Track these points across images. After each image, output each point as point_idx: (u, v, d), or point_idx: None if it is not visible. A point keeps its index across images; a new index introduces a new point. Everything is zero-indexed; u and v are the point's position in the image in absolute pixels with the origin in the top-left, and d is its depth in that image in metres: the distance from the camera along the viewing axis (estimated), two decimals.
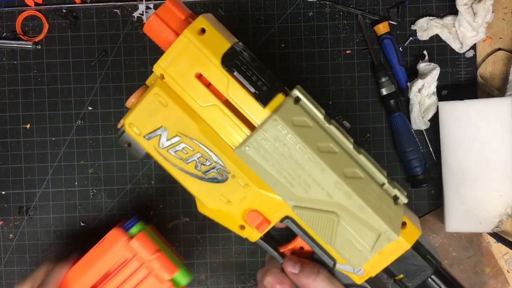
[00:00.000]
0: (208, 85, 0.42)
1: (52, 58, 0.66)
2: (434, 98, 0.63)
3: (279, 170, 0.42)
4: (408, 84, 0.64)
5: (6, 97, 0.67)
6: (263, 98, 0.41)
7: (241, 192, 0.44)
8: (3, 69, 0.67)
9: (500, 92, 0.64)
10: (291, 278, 0.46)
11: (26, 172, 0.67)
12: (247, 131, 0.42)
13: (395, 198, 0.44)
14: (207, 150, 0.43)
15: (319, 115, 0.42)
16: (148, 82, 0.46)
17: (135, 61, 0.66)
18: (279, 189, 0.43)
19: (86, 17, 0.66)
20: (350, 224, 0.42)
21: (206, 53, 0.41)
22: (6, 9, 0.66)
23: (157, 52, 0.66)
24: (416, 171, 0.63)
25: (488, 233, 0.63)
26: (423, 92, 0.63)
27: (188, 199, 0.66)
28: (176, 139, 0.44)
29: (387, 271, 0.47)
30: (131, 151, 0.46)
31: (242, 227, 0.46)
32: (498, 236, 0.62)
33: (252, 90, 0.41)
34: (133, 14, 0.66)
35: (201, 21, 0.41)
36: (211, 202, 0.45)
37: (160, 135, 0.44)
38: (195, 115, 0.43)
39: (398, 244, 0.44)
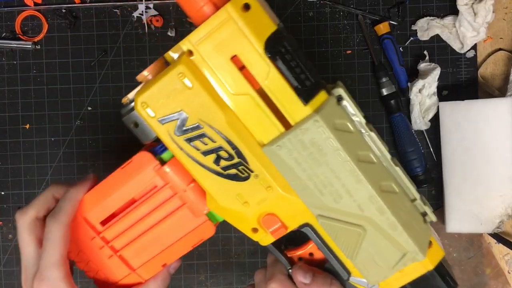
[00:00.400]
0: (241, 69, 0.36)
1: (51, 58, 0.66)
2: (435, 98, 0.63)
3: (310, 176, 0.37)
4: (409, 84, 0.64)
5: (6, 97, 0.66)
6: (305, 94, 0.36)
7: (262, 193, 0.39)
8: (3, 69, 0.66)
9: (500, 92, 0.64)
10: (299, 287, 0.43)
11: (26, 172, 0.66)
12: (280, 128, 0.37)
13: (424, 215, 0.41)
14: (232, 144, 0.38)
15: (361, 119, 0.38)
16: (167, 55, 0.38)
17: (134, 61, 0.66)
18: (306, 195, 0.39)
19: (85, 17, 0.66)
20: (375, 239, 0.38)
21: (248, 34, 0.35)
22: (6, 9, 0.66)
23: (157, 52, 0.65)
24: (416, 171, 0.63)
25: (488, 234, 0.63)
26: (424, 92, 0.63)
27: None
28: (197, 127, 0.38)
29: None
30: (138, 132, 0.41)
31: (255, 230, 0.42)
32: (498, 236, 0.62)
33: (295, 83, 0.36)
34: (133, 14, 0.65)
35: None
36: (225, 200, 0.40)
37: (178, 120, 0.38)
38: (223, 103, 0.37)
39: (421, 264, 0.41)
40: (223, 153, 0.38)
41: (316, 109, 0.36)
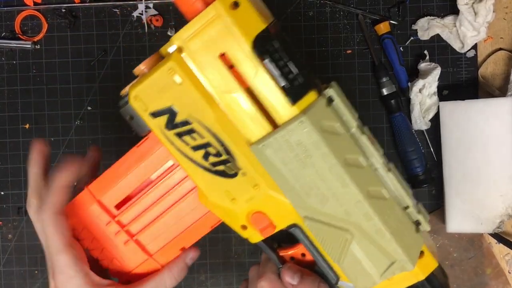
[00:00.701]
0: (231, 67, 0.36)
1: (51, 58, 0.66)
2: (435, 98, 0.63)
3: (296, 177, 0.37)
4: (409, 84, 0.63)
5: (5, 97, 0.66)
6: (293, 94, 0.36)
7: (250, 191, 0.39)
8: (2, 69, 0.66)
9: (501, 92, 0.64)
10: None
11: (25, 172, 0.66)
12: (268, 128, 0.37)
13: (417, 224, 0.40)
14: (220, 141, 0.38)
15: (352, 122, 0.38)
16: (163, 50, 0.38)
17: (134, 61, 0.66)
18: (293, 196, 0.38)
19: (85, 17, 0.66)
20: (363, 245, 0.38)
21: (236, 32, 0.35)
22: (5, 8, 0.66)
23: None
24: (417, 171, 0.63)
25: (489, 234, 0.63)
26: (424, 92, 0.63)
27: None
28: (186, 122, 0.38)
29: None
30: (133, 125, 0.41)
31: (244, 227, 0.42)
32: (499, 236, 0.62)
33: (282, 83, 0.36)
34: (133, 14, 0.65)
35: None
36: (214, 196, 0.40)
37: (169, 115, 0.38)
38: (212, 100, 0.37)
39: (412, 273, 0.40)
40: (211, 149, 0.38)
41: (303, 110, 0.36)
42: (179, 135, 0.38)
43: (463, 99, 0.60)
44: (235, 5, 0.35)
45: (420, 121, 0.63)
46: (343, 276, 0.42)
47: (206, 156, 0.39)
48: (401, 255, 0.37)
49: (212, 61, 0.36)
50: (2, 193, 0.67)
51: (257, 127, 0.37)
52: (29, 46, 0.66)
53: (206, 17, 0.35)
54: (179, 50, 0.37)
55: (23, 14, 0.66)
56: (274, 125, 0.37)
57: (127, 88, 0.40)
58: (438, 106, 0.62)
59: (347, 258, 0.39)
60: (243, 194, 0.40)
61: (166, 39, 0.65)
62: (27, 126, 0.66)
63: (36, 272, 0.66)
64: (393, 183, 0.39)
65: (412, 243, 0.39)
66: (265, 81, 0.36)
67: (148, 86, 0.37)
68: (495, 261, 0.64)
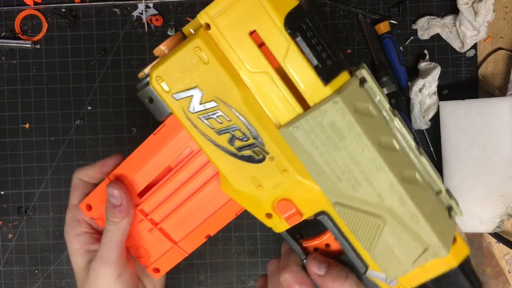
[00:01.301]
0: (261, 45, 0.34)
1: (51, 57, 0.66)
2: (435, 97, 0.63)
3: (327, 161, 0.35)
4: (409, 83, 0.63)
5: (5, 97, 0.66)
6: (325, 74, 0.34)
7: (277, 177, 0.37)
8: (2, 68, 0.66)
9: (501, 91, 0.64)
10: (313, 279, 0.41)
11: (25, 172, 0.66)
12: (298, 109, 0.35)
13: (450, 209, 0.38)
14: (247, 124, 0.36)
15: (384, 104, 0.36)
16: (185, 30, 0.37)
17: (134, 60, 0.66)
18: (323, 181, 0.36)
19: (85, 16, 0.66)
20: (396, 232, 0.36)
21: (268, 8, 0.33)
22: (5, 8, 0.66)
23: None
24: None
25: (489, 233, 0.63)
26: (424, 91, 0.63)
27: None
28: (212, 104, 0.36)
29: (423, 286, 0.40)
30: (153, 108, 0.39)
31: (269, 216, 0.39)
32: (499, 236, 0.62)
33: (315, 62, 0.34)
34: (133, 13, 0.65)
35: None
36: (239, 183, 0.38)
37: (193, 96, 0.36)
38: (240, 80, 0.35)
39: (444, 261, 0.38)
40: (238, 133, 0.37)
41: (337, 90, 0.34)
42: (204, 118, 0.37)
43: (463, 99, 0.60)
44: None
45: (420, 121, 0.63)
46: (372, 264, 0.40)
47: (231, 140, 0.37)
48: (435, 241, 0.36)
49: (241, 39, 0.34)
50: (2, 192, 0.67)
51: (287, 108, 0.35)
52: (29, 45, 0.66)
53: None
54: (206, 27, 0.35)
55: (23, 14, 0.66)
56: (305, 106, 0.35)
57: (146, 70, 0.39)
58: (438, 106, 0.62)
59: (378, 245, 0.37)
60: (270, 180, 0.38)
61: (166, 38, 0.65)
62: (27, 125, 0.66)
63: (36, 271, 0.66)
64: (426, 167, 0.37)
65: (446, 229, 0.37)
66: (297, 60, 0.34)
67: (172, 65, 0.36)
68: (495, 260, 0.64)
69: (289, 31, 0.33)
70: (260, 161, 0.37)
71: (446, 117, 0.61)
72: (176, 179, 0.42)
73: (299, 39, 0.34)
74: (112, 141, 0.66)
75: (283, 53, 0.34)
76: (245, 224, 0.65)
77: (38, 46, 0.66)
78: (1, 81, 0.66)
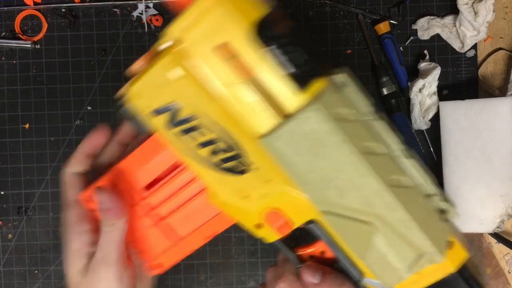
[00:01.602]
0: (234, 56, 0.34)
1: (51, 57, 0.66)
2: (435, 98, 0.63)
3: (311, 169, 0.34)
4: (409, 83, 0.63)
5: (5, 97, 0.66)
6: (302, 80, 0.33)
7: (263, 187, 0.37)
8: (2, 68, 0.66)
9: (501, 91, 0.64)
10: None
11: (25, 172, 0.66)
12: (278, 119, 0.34)
13: (444, 213, 0.37)
14: (228, 135, 0.36)
15: (367, 108, 0.35)
16: (157, 46, 0.37)
17: (134, 60, 0.66)
18: (310, 190, 0.36)
19: (85, 17, 0.66)
20: (388, 238, 0.35)
21: (237, 19, 0.32)
22: (5, 8, 0.66)
23: None
24: None
25: (489, 234, 0.63)
26: (424, 92, 0.63)
27: None
28: (191, 118, 0.36)
29: None
30: (134, 125, 0.39)
31: (259, 226, 0.39)
32: (499, 236, 0.61)
33: (291, 70, 0.33)
34: (133, 14, 0.65)
35: None
36: (226, 195, 0.38)
37: (172, 111, 0.36)
38: (217, 92, 0.35)
39: (442, 266, 0.37)
40: (220, 145, 0.36)
41: (314, 97, 0.33)
42: (185, 131, 0.36)
43: (463, 99, 0.60)
44: None
45: (420, 121, 0.63)
46: (368, 272, 0.39)
47: (214, 152, 0.37)
48: (428, 247, 0.35)
49: (213, 52, 0.33)
50: (2, 192, 0.67)
51: (266, 118, 0.34)
52: (29, 45, 0.66)
53: (203, 4, 0.33)
54: (177, 42, 0.34)
55: (23, 14, 0.66)
56: (284, 115, 0.34)
57: (122, 90, 0.39)
58: (438, 106, 0.62)
59: (371, 253, 0.36)
60: (256, 190, 0.37)
61: None
62: (27, 126, 0.66)
63: (36, 272, 0.66)
64: (415, 171, 0.36)
65: (439, 233, 0.36)
66: (271, 69, 0.33)
67: (147, 82, 0.36)
68: (495, 261, 0.64)
69: (260, 40, 0.33)
70: (244, 172, 0.37)
71: (446, 117, 0.61)
72: (184, 176, 0.41)
73: (272, 47, 0.33)
74: None
75: (257, 62, 0.33)
76: None
77: (38, 46, 0.66)
78: (1, 81, 0.66)
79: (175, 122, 0.36)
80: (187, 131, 0.37)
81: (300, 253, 0.42)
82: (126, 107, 0.38)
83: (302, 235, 0.43)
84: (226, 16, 0.32)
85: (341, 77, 0.35)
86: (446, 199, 0.37)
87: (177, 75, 0.35)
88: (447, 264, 0.37)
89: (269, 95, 0.34)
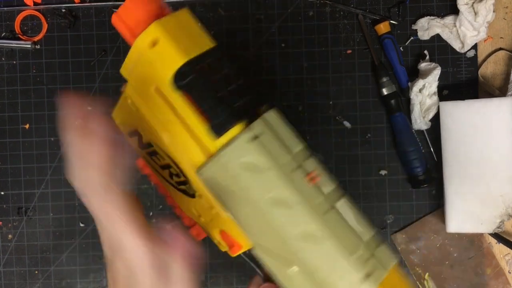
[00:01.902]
0: (165, 98, 0.37)
1: (51, 58, 0.66)
2: (435, 98, 0.63)
3: (234, 206, 0.36)
4: (409, 84, 0.63)
5: (5, 97, 0.66)
6: (217, 128, 0.35)
7: (209, 212, 0.39)
8: (2, 69, 0.66)
9: (501, 92, 0.64)
10: None
11: (25, 172, 0.66)
12: (206, 155, 0.36)
13: (370, 271, 0.35)
14: (176, 164, 0.38)
15: (284, 157, 0.35)
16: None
17: None
18: (238, 222, 0.37)
19: (85, 17, 0.66)
20: (306, 282, 0.35)
21: (157, 68, 0.35)
22: (5, 8, 0.66)
23: None
24: (417, 171, 0.63)
25: (489, 234, 0.63)
26: (424, 92, 0.62)
27: None
28: (150, 145, 0.40)
29: None
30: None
31: (219, 243, 0.42)
32: (499, 236, 0.61)
33: (206, 116, 0.35)
34: None
35: (155, 29, 0.35)
36: (187, 212, 0.42)
37: (138, 136, 0.41)
38: (163, 125, 0.38)
39: None
40: (173, 170, 0.40)
41: (225, 144, 0.35)
42: (150, 154, 0.41)
43: (463, 99, 0.60)
44: (154, 43, 0.35)
45: (420, 121, 0.63)
46: None
47: (171, 175, 0.41)
48: None
49: (148, 93, 0.37)
50: (2, 193, 0.67)
51: (198, 154, 0.36)
52: (29, 46, 0.66)
53: (134, 53, 0.36)
54: (129, 79, 0.39)
55: (23, 14, 0.66)
56: (209, 154, 0.36)
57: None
58: (438, 106, 0.62)
59: None
60: (205, 213, 0.40)
61: None
62: (27, 126, 0.66)
63: (36, 272, 0.66)
64: (338, 223, 0.35)
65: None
66: (190, 114, 0.35)
67: (118, 110, 0.41)
68: (495, 261, 0.64)
69: (177, 88, 0.35)
70: (193, 196, 0.40)
71: (446, 118, 0.61)
72: None
73: (188, 95, 0.35)
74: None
75: (180, 107, 0.35)
76: None
77: (38, 47, 0.66)
78: (1, 81, 0.66)
79: (142, 145, 0.41)
80: (151, 154, 0.41)
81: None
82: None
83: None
84: (150, 65, 0.36)
85: (258, 125, 0.35)
86: (377, 254, 0.35)
87: (132, 107, 0.39)
88: None
89: (195, 135, 0.36)
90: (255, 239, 0.37)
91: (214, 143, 0.35)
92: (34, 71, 0.66)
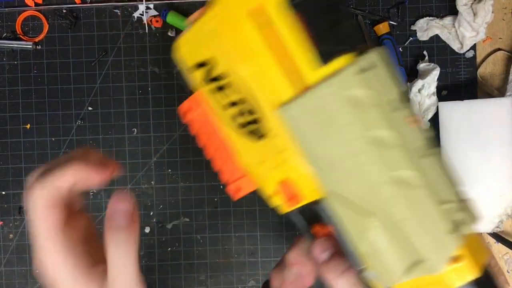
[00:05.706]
0: (265, 21, 0.34)
1: (52, 58, 0.66)
2: (434, 98, 0.63)
3: (321, 145, 0.33)
4: (408, 84, 0.64)
5: (6, 97, 0.67)
6: (326, 54, 0.32)
7: (278, 156, 0.36)
8: (3, 69, 0.67)
9: (500, 92, 0.64)
10: (316, 264, 0.39)
11: (26, 172, 0.67)
12: (297, 89, 0.34)
13: (458, 224, 0.34)
14: (253, 98, 0.36)
15: (387, 95, 0.33)
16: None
17: (135, 61, 0.66)
18: (317, 166, 0.35)
19: (86, 18, 0.66)
20: (385, 235, 0.33)
21: None
22: (6, 9, 0.66)
23: (157, 52, 0.66)
24: None
25: (488, 234, 0.63)
26: (423, 92, 0.63)
27: (188, 199, 0.66)
28: (225, 75, 0.36)
29: None
30: (183, 78, 0.39)
31: (273, 195, 0.38)
32: (498, 236, 0.62)
33: (317, 40, 0.32)
34: (133, 15, 0.66)
35: None
36: (246, 158, 0.38)
37: (208, 66, 0.36)
38: (249, 54, 0.35)
39: (440, 280, 0.34)
40: (244, 107, 0.36)
41: (333, 73, 0.32)
42: (217, 89, 0.36)
43: (462, 99, 0.61)
44: None
45: None
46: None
47: (241, 113, 0.37)
48: (426, 253, 0.33)
49: (245, 15, 0.33)
50: (3, 193, 0.67)
51: (286, 88, 0.34)
52: (30, 46, 0.66)
53: None
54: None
55: (24, 15, 0.66)
56: (304, 87, 0.33)
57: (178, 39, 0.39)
58: (437, 107, 0.62)
59: (366, 247, 0.35)
60: (271, 158, 0.37)
61: (167, 39, 0.66)
62: (28, 126, 0.67)
63: (37, 271, 0.67)
64: (432, 170, 0.34)
65: (444, 242, 0.33)
66: (298, 37, 0.32)
67: (192, 35, 0.36)
68: (494, 260, 0.64)
69: (291, 6, 0.32)
70: (262, 138, 0.36)
71: (445, 118, 0.61)
72: None
73: (302, 14, 0.32)
74: (113, 142, 0.66)
75: (285, 29, 0.33)
76: (245, 224, 0.66)
77: (39, 47, 0.66)
78: (2, 81, 0.67)
79: (210, 78, 0.36)
80: (220, 88, 0.37)
81: (317, 229, 0.41)
82: (176, 59, 0.39)
83: (319, 213, 0.41)
84: None
85: (370, 57, 0.32)
86: (465, 209, 0.34)
87: (217, 31, 0.35)
88: (449, 279, 0.34)
89: (292, 65, 0.33)
90: (333, 186, 0.34)
91: (315, 73, 0.32)
92: (35, 71, 0.66)
